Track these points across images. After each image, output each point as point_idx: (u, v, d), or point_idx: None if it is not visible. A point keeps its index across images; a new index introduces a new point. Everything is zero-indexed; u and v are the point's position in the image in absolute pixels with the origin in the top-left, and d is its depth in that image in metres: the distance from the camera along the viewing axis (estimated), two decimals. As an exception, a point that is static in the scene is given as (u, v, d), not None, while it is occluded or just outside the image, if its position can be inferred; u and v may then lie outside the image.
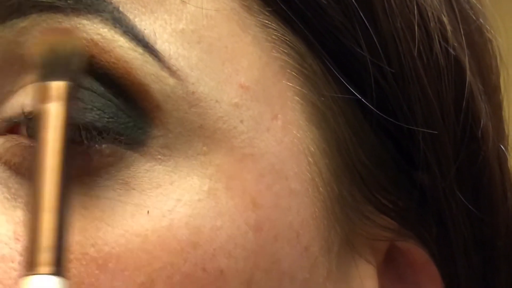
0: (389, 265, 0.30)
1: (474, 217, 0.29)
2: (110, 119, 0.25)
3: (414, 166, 0.29)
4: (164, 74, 0.26)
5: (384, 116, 0.28)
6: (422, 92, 0.28)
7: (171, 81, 0.26)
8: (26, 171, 0.25)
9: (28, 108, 0.25)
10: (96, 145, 0.25)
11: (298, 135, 0.27)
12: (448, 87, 0.29)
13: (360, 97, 0.28)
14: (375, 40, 0.28)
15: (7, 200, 0.26)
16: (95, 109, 0.25)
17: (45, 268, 0.22)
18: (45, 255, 0.23)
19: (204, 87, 0.26)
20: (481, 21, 0.31)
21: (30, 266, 0.22)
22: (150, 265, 0.25)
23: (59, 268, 0.22)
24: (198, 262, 0.25)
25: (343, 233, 0.28)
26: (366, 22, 0.28)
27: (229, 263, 0.25)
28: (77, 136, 0.25)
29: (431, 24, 0.29)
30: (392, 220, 0.29)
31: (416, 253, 0.30)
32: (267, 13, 0.27)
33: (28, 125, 0.26)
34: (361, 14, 0.28)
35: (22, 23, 0.26)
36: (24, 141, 0.26)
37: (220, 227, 0.26)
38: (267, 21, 0.27)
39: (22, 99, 0.26)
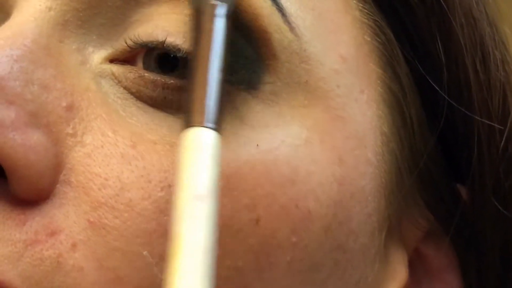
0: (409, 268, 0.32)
1: (506, 221, 0.32)
2: (232, 57, 0.27)
3: (457, 171, 0.32)
4: (285, 27, 0.28)
5: (463, 110, 0.31)
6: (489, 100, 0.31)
7: (290, 35, 0.28)
8: (146, 98, 0.27)
9: (153, 38, 0.27)
10: None
11: (377, 114, 0.30)
12: (499, 93, 0.32)
13: (437, 88, 0.31)
14: (451, 42, 0.31)
15: (123, 116, 0.27)
16: (237, 56, 0.27)
17: (202, 122, 0.24)
18: (202, 112, 0.24)
19: (314, 48, 0.29)
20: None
21: (188, 121, 0.24)
22: (255, 190, 0.27)
23: (215, 124, 0.24)
24: (293, 198, 0.27)
25: (395, 216, 0.31)
26: (444, 24, 0.31)
27: (316, 206, 0.28)
28: None
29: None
30: (432, 215, 0.32)
31: (435, 259, 0.32)
32: None
33: (145, 58, 0.28)
34: (440, 16, 0.31)
35: None
36: (145, 74, 0.27)
37: (313, 172, 0.28)
38: (364, 6, 0.30)
39: (150, 28, 0.27)
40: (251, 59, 0.28)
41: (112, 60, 0.28)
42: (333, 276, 0.28)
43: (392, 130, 0.31)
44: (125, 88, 0.28)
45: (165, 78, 0.27)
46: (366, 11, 0.31)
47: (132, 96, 0.28)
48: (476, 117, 0.31)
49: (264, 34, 0.28)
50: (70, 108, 0.27)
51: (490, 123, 0.31)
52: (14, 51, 0.26)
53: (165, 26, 0.27)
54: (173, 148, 0.26)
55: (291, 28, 0.28)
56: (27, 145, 0.25)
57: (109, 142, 0.26)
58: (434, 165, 0.32)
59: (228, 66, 0.26)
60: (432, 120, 0.31)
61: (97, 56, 0.28)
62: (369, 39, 0.30)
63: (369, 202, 0.29)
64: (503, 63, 0.33)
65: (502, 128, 0.31)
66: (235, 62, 0.27)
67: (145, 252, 0.25)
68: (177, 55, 0.27)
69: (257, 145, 0.27)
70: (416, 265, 0.32)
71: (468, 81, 0.31)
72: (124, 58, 0.28)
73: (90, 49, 0.28)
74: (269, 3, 0.28)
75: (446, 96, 0.31)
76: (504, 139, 0.32)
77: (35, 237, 0.25)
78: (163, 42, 0.27)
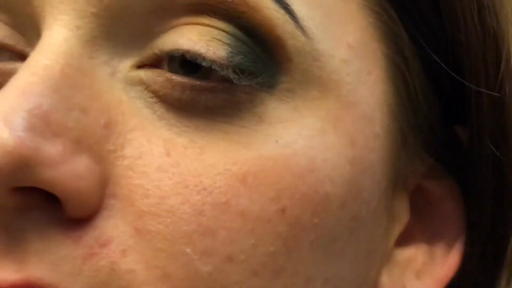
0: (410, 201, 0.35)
1: (498, 163, 0.35)
2: (251, 63, 0.30)
3: (457, 118, 0.35)
4: (298, 32, 0.30)
5: (455, 75, 0.33)
6: (482, 56, 0.34)
7: (302, 38, 0.30)
8: (173, 100, 0.30)
9: (178, 46, 0.29)
10: (239, 83, 0.30)
11: (384, 89, 0.33)
12: (493, 52, 0.35)
13: (437, 58, 0.33)
14: (449, 13, 0.34)
15: (153, 120, 0.30)
16: (240, 54, 0.29)
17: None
18: None
19: (324, 44, 0.31)
20: None
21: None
22: (278, 183, 0.30)
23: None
24: (312, 185, 0.30)
25: (400, 172, 0.34)
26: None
27: (333, 188, 0.31)
28: (226, 75, 0.29)
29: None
30: (431, 158, 0.35)
31: (436, 190, 0.36)
32: None
33: (169, 61, 0.30)
34: None
35: None
36: (173, 77, 0.30)
37: (328, 158, 0.31)
38: None
39: (174, 38, 0.30)
40: (269, 64, 0.30)
41: (139, 66, 0.30)
42: (350, 243, 0.32)
43: (397, 100, 0.34)
44: (153, 92, 0.30)
45: (191, 79, 0.30)
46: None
47: (160, 100, 0.30)
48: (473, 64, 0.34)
49: (279, 41, 0.30)
50: (108, 125, 0.29)
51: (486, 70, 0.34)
52: (52, 80, 0.28)
53: (189, 35, 0.30)
54: (202, 150, 0.29)
55: (303, 32, 0.30)
56: (76, 174, 0.28)
57: (146, 152, 0.29)
58: (434, 116, 0.35)
59: (248, 72, 0.29)
60: (434, 75, 0.35)
61: (125, 64, 0.30)
62: (372, 20, 0.33)
63: (377, 172, 0.33)
64: (496, 13, 0.35)
65: (497, 75, 0.35)
66: (254, 68, 0.30)
67: (188, 250, 0.28)
68: (201, 63, 0.29)
69: (276, 140, 0.30)
70: (415, 197, 0.36)
71: (466, 28, 0.34)
72: (150, 63, 0.30)
73: (117, 59, 0.30)
74: (282, 12, 0.30)
75: (441, 65, 0.34)
76: (498, 85, 0.35)
77: (90, 251, 0.28)
78: (188, 51, 0.29)
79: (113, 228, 0.28)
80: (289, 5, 0.30)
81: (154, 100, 0.30)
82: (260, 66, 0.30)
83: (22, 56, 0.32)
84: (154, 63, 0.30)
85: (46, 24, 0.30)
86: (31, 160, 0.27)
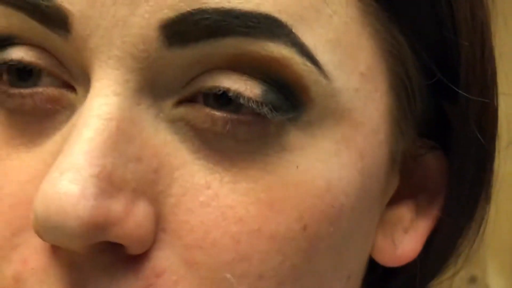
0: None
1: (479, 143, 0.39)
2: (281, 102, 0.33)
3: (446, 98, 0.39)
4: (320, 78, 0.33)
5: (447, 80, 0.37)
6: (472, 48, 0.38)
7: (324, 82, 0.33)
8: (210, 135, 0.33)
9: (218, 84, 0.32)
10: (272, 118, 0.33)
11: (387, 101, 0.37)
12: (482, 47, 0.39)
13: (436, 69, 0.37)
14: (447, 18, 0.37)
15: (192, 153, 0.33)
16: (272, 93, 0.32)
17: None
18: None
19: (342, 81, 0.34)
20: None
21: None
22: (300, 204, 0.33)
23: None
24: (329, 202, 0.34)
25: (396, 157, 0.38)
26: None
27: (346, 200, 0.35)
28: (261, 111, 0.32)
29: None
30: (422, 137, 0.39)
31: (422, 157, 0.40)
32: (373, 6, 0.35)
33: (211, 98, 0.33)
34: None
35: (218, 42, 0.32)
36: (213, 112, 0.32)
37: (342, 176, 0.35)
38: (374, 15, 0.36)
39: (214, 77, 0.32)
40: (295, 103, 0.33)
41: (180, 102, 0.33)
42: (358, 234, 0.37)
43: (398, 107, 0.37)
44: (192, 126, 0.33)
45: (231, 114, 0.32)
46: (376, 20, 0.36)
47: (197, 133, 0.33)
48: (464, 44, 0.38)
49: (305, 89, 0.33)
50: (157, 169, 0.33)
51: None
52: (111, 139, 0.31)
53: (228, 76, 0.33)
54: (235, 179, 0.33)
55: (325, 76, 0.33)
56: (138, 225, 0.32)
57: (189, 189, 0.33)
58: (428, 102, 0.39)
59: (278, 109, 0.32)
60: (427, 65, 0.38)
61: (167, 104, 0.33)
62: (381, 44, 0.36)
63: (382, 169, 0.37)
64: (483, 7, 0.39)
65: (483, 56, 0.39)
66: (283, 106, 0.33)
67: (228, 275, 0.33)
68: (239, 101, 0.32)
69: (297, 166, 0.34)
70: (403, 163, 0.39)
71: (461, 27, 0.38)
72: (188, 99, 0.33)
73: (160, 100, 0.33)
74: (309, 64, 0.33)
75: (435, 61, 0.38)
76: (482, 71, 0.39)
77: (147, 282, 0.32)
78: (228, 89, 0.32)
79: (165, 259, 0.32)
80: (313, 56, 0.33)
81: (192, 133, 0.33)
82: (288, 105, 0.33)
83: (69, 86, 0.34)
84: (194, 99, 0.33)
85: (96, 76, 0.32)
86: (104, 223, 0.31)
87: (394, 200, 0.40)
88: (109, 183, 0.31)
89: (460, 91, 0.38)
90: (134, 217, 0.32)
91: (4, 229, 0.34)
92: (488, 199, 0.42)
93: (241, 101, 0.32)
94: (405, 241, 0.40)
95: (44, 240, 0.32)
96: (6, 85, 0.35)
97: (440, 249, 0.43)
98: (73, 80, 0.34)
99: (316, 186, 0.34)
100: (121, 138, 0.32)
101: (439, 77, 0.38)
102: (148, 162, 0.32)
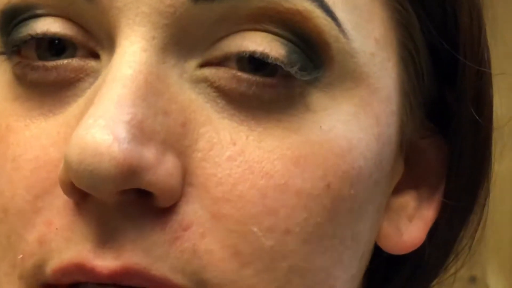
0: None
1: (476, 124, 0.40)
2: (306, 61, 0.34)
3: (446, 83, 0.41)
4: (340, 35, 0.35)
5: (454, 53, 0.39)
6: (471, 33, 0.40)
7: (343, 40, 0.35)
8: (235, 95, 0.34)
9: (244, 48, 0.34)
10: (299, 78, 0.34)
11: (398, 72, 0.38)
12: (479, 28, 0.40)
13: (442, 41, 0.39)
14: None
15: (216, 113, 0.34)
16: (296, 53, 0.34)
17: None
18: None
19: (359, 42, 0.36)
20: None
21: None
22: (324, 163, 0.35)
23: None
24: (350, 162, 0.35)
25: (406, 136, 0.39)
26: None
27: (365, 163, 0.36)
28: (288, 71, 0.34)
29: None
30: (427, 119, 0.41)
31: (424, 144, 0.41)
32: None
33: (238, 61, 0.34)
34: None
35: None
36: (241, 74, 0.34)
37: (361, 138, 0.36)
38: None
39: (239, 41, 0.34)
40: (318, 62, 0.34)
41: (203, 65, 0.34)
42: (371, 203, 0.37)
43: (407, 79, 0.39)
44: (216, 87, 0.34)
45: (257, 76, 0.33)
46: None
47: (221, 94, 0.34)
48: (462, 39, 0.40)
49: (326, 45, 0.34)
50: (184, 124, 0.34)
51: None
52: (140, 90, 0.32)
53: (252, 38, 0.34)
54: (260, 138, 0.34)
55: (344, 34, 0.35)
56: (168, 173, 0.32)
57: (216, 144, 0.34)
58: (433, 84, 0.41)
59: (301, 68, 0.33)
60: (434, 50, 0.40)
61: (189, 65, 0.34)
62: (392, 14, 0.38)
63: (393, 142, 0.38)
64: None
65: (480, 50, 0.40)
66: (308, 65, 0.34)
67: (255, 229, 0.33)
68: (267, 61, 0.33)
69: (320, 126, 0.35)
70: (407, 150, 0.40)
71: (461, 12, 0.40)
72: (216, 63, 0.34)
73: (183, 61, 0.34)
74: (329, 19, 0.34)
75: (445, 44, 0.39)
76: (479, 57, 0.40)
77: (175, 235, 0.33)
78: (254, 51, 0.33)
79: (193, 213, 0.33)
80: (334, 13, 0.34)
81: (216, 94, 0.34)
82: (312, 65, 0.34)
83: (93, 54, 0.35)
84: (219, 62, 0.34)
85: (124, 34, 0.33)
86: (137, 167, 0.31)
87: (398, 190, 0.41)
88: (140, 131, 0.32)
89: (459, 70, 0.40)
90: (165, 166, 0.32)
91: (27, 193, 0.34)
92: (488, 186, 0.43)
93: (268, 61, 0.34)
94: (410, 229, 0.41)
95: (78, 185, 0.32)
96: (32, 59, 0.35)
97: (443, 238, 0.43)
98: (98, 46, 0.35)
99: (338, 145, 0.35)
100: (149, 91, 0.33)
101: (441, 53, 0.39)
102: (176, 116, 0.33)
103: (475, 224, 0.45)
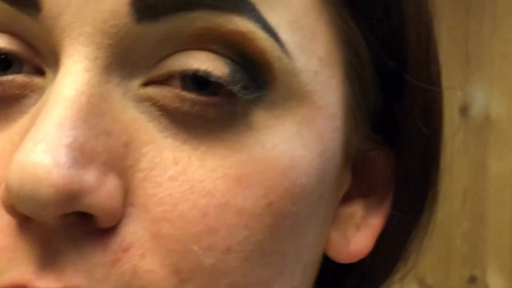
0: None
1: (424, 136, 0.41)
2: (248, 81, 0.34)
3: (393, 97, 0.41)
4: (283, 56, 0.35)
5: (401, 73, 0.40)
6: (419, 50, 0.40)
7: (286, 60, 0.35)
8: (179, 114, 0.34)
9: (188, 66, 0.34)
10: (242, 97, 0.34)
11: (343, 89, 0.39)
12: (427, 45, 0.41)
13: (387, 59, 0.39)
14: (397, 16, 0.40)
15: (159, 132, 0.34)
16: (240, 72, 0.34)
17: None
18: None
19: (302, 62, 0.36)
20: None
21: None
22: (266, 182, 0.35)
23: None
24: (293, 180, 0.36)
25: (351, 149, 0.40)
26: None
27: (308, 180, 0.36)
28: (232, 89, 0.34)
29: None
30: (374, 132, 0.41)
31: (372, 155, 0.42)
32: None
33: (180, 79, 0.34)
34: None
35: (187, 16, 0.33)
36: (182, 92, 0.34)
37: (304, 155, 0.36)
38: (331, 3, 0.38)
39: (183, 59, 0.34)
40: (260, 82, 0.35)
41: (147, 83, 0.35)
42: (315, 216, 0.38)
43: (352, 95, 0.39)
44: (160, 106, 0.34)
45: (201, 96, 0.34)
46: (331, 7, 0.38)
47: (164, 113, 0.34)
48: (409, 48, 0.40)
49: (268, 65, 0.35)
50: (127, 144, 0.34)
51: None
52: (82, 112, 0.32)
53: (196, 57, 0.34)
54: (203, 157, 0.34)
55: (287, 55, 0.35)
56: (109, 195, 0.33)
57: (158, 163, 0.34)
58: (379, 99, 0.41)
59: (244, 87, 0.34)
60: (380, 65, 0.40)
61: (133, 84, 0.34)
62: (336, 32, 0.38)
63: (337, 156, 0.39)
64: (428, 11, 0.42)
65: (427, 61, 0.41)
66: (251, 85, 0.35)
67: (195, 247, 0.33)
68: (210, 79, 0.34)
69: (263, 145, 0.35)
70: (355, 160, 0.41)
71: (408, 27, 0.40)
72: (159, 81, 0.35)
73: (127, 80, 0.34)
74: (272, 40, 0.35)
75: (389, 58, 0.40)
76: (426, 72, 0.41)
77: (115, 256, 0.33)
78: (198, 70, 0.34)
79: (133, 234, 0.33)
80: (277, 34, 0.35)
81: (159, 113, 0.34)
82: (255, 84, 0.35)
83: (39, 70, 0.35)
84: (163, 81, 0.34)
85: (67, 53, 0.33)
86: (77, 192, 0.32)
87: (346, 199, 0.42)
88: (81, 154, 0.32)
89: (406, 85, 0.40)
90: (106, 188, 0.32)
91: None
92: (436, 196, 0.44)
93: (211, 79, 0.34)
94: (357, 238, 0.41)
95: (19, 209, 0.32)
96: None
97: (391, 246, 0.44)
98: (43, 63, 0.35)
99: (280, 163, 0.35)
100: (91, 112, 0.33)
101: (388, 68, 0.40)
102: (118, 137, 0.33)
103: (423, 232, 0.45)
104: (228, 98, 0.34)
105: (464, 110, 1.94)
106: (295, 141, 0.36)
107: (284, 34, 0.35)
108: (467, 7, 1.96)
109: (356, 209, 0.42)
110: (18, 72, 0.35)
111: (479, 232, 1.94)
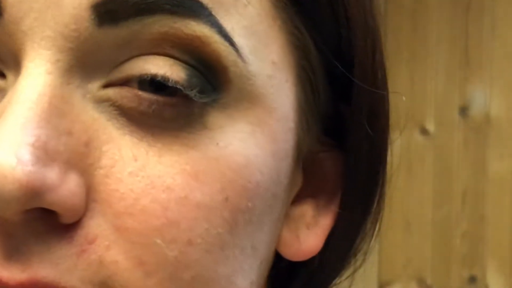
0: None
1: (370, 138, 0.43)
2: (204, 84, 0.36)
3: (342, 100, 0.43)
4: (238, 60, 0.37)
5: (345, 71, 0.41)
6: (365, 53, 0.42)
7: (241, 64, 0.37)
8: (136, 113, 0.36)
9: (146, 71, 0.35)
10: (198, 100, 0.36)
11: (296, 91, 0.40)
12: (374, 51, 0.43)
13: (336, 63, 0.41)
14: (344, 22, 0.41)
15: (117, 129, 0.36)
16: (196, 76, 0.36)
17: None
18: None
19: (256, 66, 0.38)
20: None
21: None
22: (222, 178, 0.36)
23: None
24: (247, 177, 0.38)
25: (303, 150, 0.42)
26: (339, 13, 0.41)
27: (262, 177, 0.38)
28: (188, 94, 0.36)
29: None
30: (324, 135, 0.43)
31: (321, 156, 0.44)
32: (283, 1, 0.40)
33: (138, 82, 0.36)
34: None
35: (146, 20, 0.35)
36: (140, 93, 0.36)
37: (258, 154, 0.38)
38: (283, 9, 0.40)
39: (141, 64, 0.36)
40: (215, 85, 0.37)
41: (107, 85, 0.36)
42: (269, 214, 0.40)
43: (304, 98, 0.41)
44: (118, 106, 0.36)
45: (158, 96, 0.35)
46: (283, 14, 0.40)
47: (122, 112, 0.36)
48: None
49: (224, 68, 0.36)
50: (87, 143, 0.35)
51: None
52: (45, 113, 0.34)
53: (154, 62, 0.36)
54: (160, 153, 0.36)
55: (242, 59, 0.37)
56: (71, 193, 0.34)
57: (118, 161, 0.35)
58: (329, 101, 0.43)
59: (200, 92, 0.36)
60: (329, 68, 0.42)
61: (93, 86, 0.36)
62: (289, 37, 0.40)
63: (290, 157, 0.41)
64: (373, 17, 0.43)
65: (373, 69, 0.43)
66: (206, 88, 0.36)
67: (158, 240, 0.35)
68: (167, 84, 0.35)
69: (217, 143, 0.37)
70: (305, 161, 0.43)
71: (355, 32, 0.42)
72: (119, 83, 0.36)
73: (87, 81, 0.36)
74: (227, 45, 0.36)
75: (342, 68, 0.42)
76: (373, 75, 0.43)
77: (81, 248, 0.34)
78: (156, 74, 0.35)
79: (97, 227, 0.35)
80: (232, 38, 0.36)
81: (117, 112, 0.36)
82: (210, 87, 0.36)
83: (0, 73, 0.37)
84: (122, 83, 0.36)
85: (29, 57, 0.35)
86: (40, 189, 0.33)
87: (297, 199, 0.43)
88: (44, 153, 0.33)
89: (354, 88, 0.42)
90: (67, 185, 0.34)
91: None
92: (382, 197, 0.46)
93: (169, 84, 0.35)
94: (307, 237, 0.43)
95: None
96: None
97: (339, 245, 0.45)
98: (4, 66, 0.36)
99: (235, 161, 0.37)
100: (53, 113, 0.34)
101: (337, 73, 0.42)
102: (79, 136, 0.35)
103: (371, 231, 0.47)
104: (185, 99, 0.36)
105: (464, 110, 1.94)
106: (249, 141, 0.38)
107: (239, 38, 0.37)
108: (467, 7, 1.96)
109: (306, 209, 0.44)
110: None
111: (479, 232, 1.94)
